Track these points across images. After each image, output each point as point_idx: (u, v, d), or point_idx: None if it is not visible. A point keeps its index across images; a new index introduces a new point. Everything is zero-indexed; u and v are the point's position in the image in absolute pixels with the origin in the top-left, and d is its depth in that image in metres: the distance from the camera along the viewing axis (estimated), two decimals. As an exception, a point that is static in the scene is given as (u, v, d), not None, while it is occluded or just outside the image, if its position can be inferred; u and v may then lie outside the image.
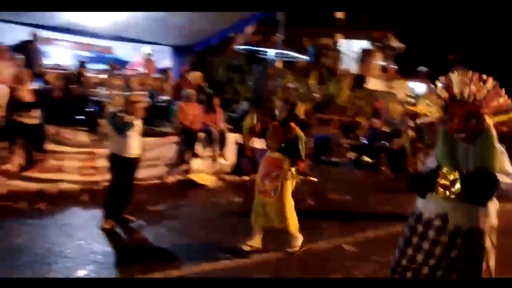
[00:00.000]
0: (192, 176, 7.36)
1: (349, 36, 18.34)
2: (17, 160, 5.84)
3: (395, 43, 19.43)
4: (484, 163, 1.96)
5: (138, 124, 4.86)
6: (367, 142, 10.70)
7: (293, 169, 4.25)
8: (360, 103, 13.89)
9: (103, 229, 4.67)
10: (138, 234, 4.75)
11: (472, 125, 2.00)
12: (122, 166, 4.81)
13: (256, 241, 4.34)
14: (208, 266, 3.95)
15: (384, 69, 18.87)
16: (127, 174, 4.90)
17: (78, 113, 6.94)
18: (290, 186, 4.29)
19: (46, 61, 8.06)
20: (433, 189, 1.99)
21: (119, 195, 4.86)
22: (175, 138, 7.38)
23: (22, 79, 6.08)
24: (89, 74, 8.07)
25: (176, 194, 6.62)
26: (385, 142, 10.08)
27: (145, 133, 5.37)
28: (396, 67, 19.04)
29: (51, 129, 6.24)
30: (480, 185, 1.93)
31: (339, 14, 19.12)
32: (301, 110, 4.79)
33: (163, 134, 7.42)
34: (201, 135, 7.62)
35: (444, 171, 1.95)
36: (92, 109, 7.01)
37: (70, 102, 7.00)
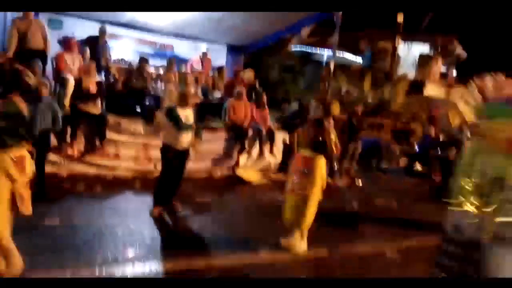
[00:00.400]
0: (239, 172, 7.53)
1: (409, 39, 17.72)
2: (79, 146, 6.33)
3: (457, 49, 18.50)
4: None
5: (190, 118, 5.07)
6: (420, 150, 10.33)
7: (323, 167, 4.27)
8: (415, 109, 13.41)
9: (152, 215, 4.94)
10: (184, 222, 4.98)
11: None
12: (173, 157, 5.05)
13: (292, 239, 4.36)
14: (247, 258, 4.06)
15: (444, 76, 18.04)
16: (177, 165, 5.13)
17: (136, 105, 7.36)
18: (319, 185, 4.26)
19: (111, 56, 8.59)
20: None
21: (168, 185, 5.11)
22: (224, 134, 7.59)
23: (89, 71, 6.57)
24: (149, 70, 8.51)
25: (222, 189, 6.82)
26: (440, 151, 9.67)
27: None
28: (456, 74, 18.12)
29: (111, 119, 6.68)
30: None
31: (400, 17, 18.53)
32: (336, 109, 4.75)
33: (214, 130, 7.66)
34: (250, 132, 7.78)
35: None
36: (149, 102, 7.40)
37: (130, 94, 7.43)
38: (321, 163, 4.26)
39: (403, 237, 5.15)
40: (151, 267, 3.66)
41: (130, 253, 3.89)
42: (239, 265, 3.94)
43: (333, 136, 5.11)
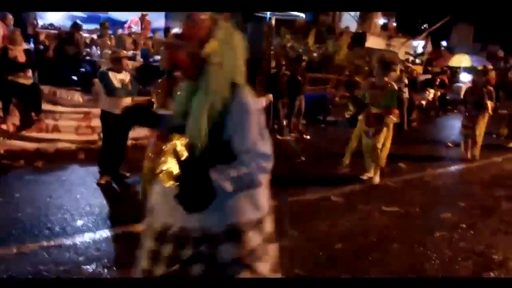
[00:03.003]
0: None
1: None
2: (13, 120, 5.96)
3: (396, 0, 18.92)
4: None
5: (126, 81, 4.91)
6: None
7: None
8: (358, 62, 13.76)
9: (99, 185, 4.85)
10: (133, 188, 4.93)
11: None
12: (114, 124, 4.91)
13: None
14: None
15: (384, 27, 18.52)
16: (120, 131, 5.00)
17: (72, 74, 6.98)
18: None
19: (39, 21, 8.00)
20: None
21: (112, 152, 5.00)
22: (169, 98, 7.44)
23: (14, 39, 6.08)
24: (83, 34, 8.03)
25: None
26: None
27: (138, 93, 5.43)
28: (396, 24, 18.68)
29: (46, 89, 6.32)
30: None
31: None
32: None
33: (157, 94, 7.46)
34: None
35: None
36: (85, 69, 7.04)
37: (63, 62, 7.02)
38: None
39: (346, 182, 5.45)
40: (102, 235, 3.64)
41: (79, 223, 3.83)
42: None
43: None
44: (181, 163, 1.47)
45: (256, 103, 1.59)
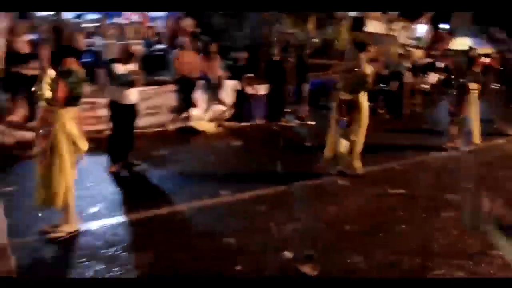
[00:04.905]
0: (192, 123, 7.53)
1: (348, -23, 17.67)
2: (21, 111, 6.02)
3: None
4: None
5: (133, 71, 4.96)
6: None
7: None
8: (359, 46, 13.69)
9: (110, 173, 4.93)
10: (144, 176, 5.02)
11: None
12: (121, 113, 4.98)
13: None
14: (209, 201, 4.23)
15: (384, 11, 18.36)
16: (127, 120, 5.07)
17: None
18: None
19: (41, 12, 7.98)
20: None
21: (121, 142, 5.07)
22: (173, 87, 7.47)
23: (18, 31, 6.10)
24: (84, 24, 8.03)
25: (177, 141, 6.84)
26: (383, 85, 10.11)
27: (143, 82, 5.48)
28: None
29: (51, 80, 6.34)
30: None
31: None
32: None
33: (161, 83, 7.50)
34: (199, 83, 7.70)
35: None
36: (88, 59, 7.06)
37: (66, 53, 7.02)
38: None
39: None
40: (117, 220, 3.74)
41: (93, 209, 3.92)
42: (203, 207, 4.11)
43: None
44: None
45: None
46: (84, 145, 3.45)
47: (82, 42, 6.95)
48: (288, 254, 3.24)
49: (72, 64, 3.45)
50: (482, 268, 3.15)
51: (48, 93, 3.22)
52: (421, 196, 4.62)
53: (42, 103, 3.33)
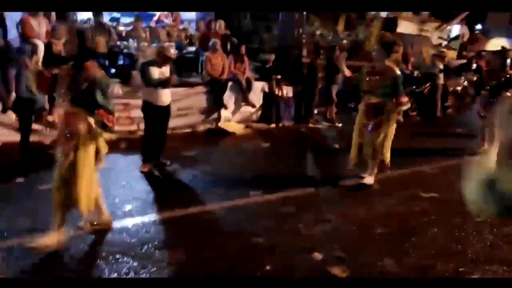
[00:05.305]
0: (222, 125, 7.63)
1: (380, -23, 17.40)
2: (58, 111, 6.26)
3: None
4: None
5: (167, 74, 5.08)
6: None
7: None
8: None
9: (142, 172, 5.07)
10: (175, 176, 5.13)
11: None
12: (155, 114, 5.11)
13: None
14: (239, 201, 4.28)
15: (417, 12, 17.98)
16: (160, 121, 5.20)
17: (110, 66, 7.23)
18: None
19: (80, 16, 8.27)
20: None
21: (153, 142, 5.20)
22: (204, 89, 7.59)
23: (58, 34, 6.35)
24: (119, 28, 8.28)
25: (207, 142, 6.94)
26: (415, 87, 9.92)
27: (175, 84, 5.60)
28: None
29: (87, 82, 6.57)
30: None
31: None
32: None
33: (192, 85, 7.63)
34: (229, 84, 7.79)
35: None
36: (123, 62, 7.28)
37: (102, 55, 7.27)
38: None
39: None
40: (150, 219, 3.84)
41: (128, 207, 4.04)
42: (233, 207, 4.16)
43: None
44: None
45: None
46: (104, 148, 3.42)
47: (103, 44, 7.10)
48: (317, 255, 3.24)
49: (93, 69, 3.31)
50: (519, 276, 3.06)
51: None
52: (454, 200, 4.50)
53: (66, 105, 3.31)
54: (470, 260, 3.28)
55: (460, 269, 3.12)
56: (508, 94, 5.91)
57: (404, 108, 4.81)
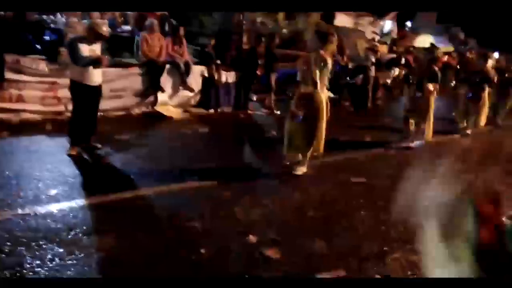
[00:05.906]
0: (158, 108, 7.41)
1: (319, -31, 17.78)
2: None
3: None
4: None
5: (99, 52, 4.80)
6: (330, 77, 10.91)
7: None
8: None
9: (70, 155, 4.77)
10: (106, 160, 4.89)
11: None
12: (84, 95, 4.81)
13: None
14: (175, 186, 4.20)
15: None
16: (90, 102, 4.91)
17: (36, 42, 6.68)
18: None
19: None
20: None
21: (83, 124, 4.90)
22: (139, 70, 7.29)
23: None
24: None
25: (142, 125, 6.71)
26: (348, 78, 10.33)
27: (107, 64, 5.30)
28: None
29: (8, 57, 6.02)
30: None
31: None
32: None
33: (126, 65, 7.29)
34: (166, 67, 7.55)
35: None
36: (50, 38, 6.76)
37: (26, 29, 6.68)
38: None
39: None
40: (78, 203, 3.64)
41: (53, 192, 3.79)
42: (167, 192, 4.07)
43: None
44: None
45: None
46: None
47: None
48: (252, 238, 3.28)
49: None
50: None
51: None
52: (380, 185, 4.78)
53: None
54: (392, 240, 3.50)
55: (384, 249, 3.33)
56: (431, 87, 6.40)
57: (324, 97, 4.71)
